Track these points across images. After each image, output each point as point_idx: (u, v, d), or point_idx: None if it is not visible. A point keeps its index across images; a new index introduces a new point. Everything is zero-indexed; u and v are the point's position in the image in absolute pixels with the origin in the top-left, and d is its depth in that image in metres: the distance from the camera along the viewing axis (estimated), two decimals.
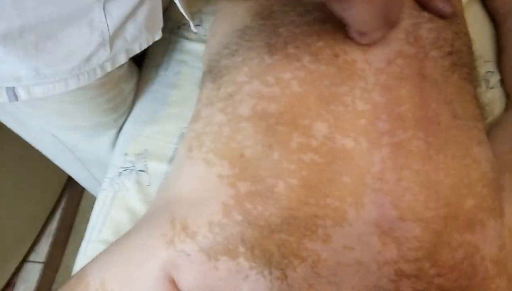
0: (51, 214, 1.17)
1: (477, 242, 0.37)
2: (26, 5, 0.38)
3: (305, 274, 0.36)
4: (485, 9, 0.61)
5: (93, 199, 0.61)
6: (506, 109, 0.54)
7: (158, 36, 0.51)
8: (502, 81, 0.56)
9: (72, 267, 0.54)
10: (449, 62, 0.42)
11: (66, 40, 0.41)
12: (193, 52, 0.65)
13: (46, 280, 1.11)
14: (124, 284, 0.40)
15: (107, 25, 0.43)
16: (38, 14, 0.39)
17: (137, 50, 0.49)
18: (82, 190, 1.17)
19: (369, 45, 0.41)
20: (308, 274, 0.36)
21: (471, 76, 0.44)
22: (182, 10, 0.53)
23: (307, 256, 0.36)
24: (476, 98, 0.44)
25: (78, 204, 1.19)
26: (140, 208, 0.55)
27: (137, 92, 0.63)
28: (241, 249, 0.36)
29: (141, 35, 0.48)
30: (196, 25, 0.68)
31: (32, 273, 1.12)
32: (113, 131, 0.61)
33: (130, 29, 0.46)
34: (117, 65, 0.47)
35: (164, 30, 0.68)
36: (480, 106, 0.44)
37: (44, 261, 1.13)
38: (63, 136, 0.61)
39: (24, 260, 1.12)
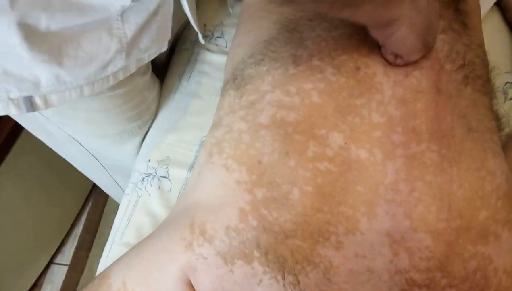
0: (77, 218, 1.21)
1: (490, 254, 0.37)
2: (55, 7, 0.39)
3: (317, 280, 0.37)
4: (504, 20, 0.61)
5: (116, 204, 0.64)
6: None
7: (164, 47, 0.53)
8: None
9: (96, 269, 0.57)
10: (462, 76, 0.43)
11: (88, 46, 0.43)
12: (214, 63, 0.67)
13: (71, 282, 1.14)
14: (145, 285, 0.42)
15: (125, 32, 0.45)
16: (63, 16, 0.40)
17: (146, 60, 0.51)
18: (106, 195, 1.20)
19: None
20: (320, 280, 0.37)
21: (485, 88, 0.44)
22: (192, 22, 0.55)
23: (320, 262, 0.37)
24: (491, 110, 0.44)
25: (103, 209, 1.23)
26: (161, 212, 0.57)
27: (160, 102, 0.65)
28: (256, 254, 0.38)
29: (152, 45, 0.50)
30: (217, 37, 0.70)
31: (58, 275, 1.15)
32: (138, 139, 0.63)
33: (144, 39, 0.48)
34: (128, 74, 0.49)
35: (186, 41, 0.71)
36: (495, 119, 0.44)
37: (69, 263, 1.16)
38: (90, 145, 0.64)
39: (51, 262, 1.15)
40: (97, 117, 0.55)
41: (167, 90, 0.66)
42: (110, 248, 0.57)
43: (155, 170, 0.60)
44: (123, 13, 0.44)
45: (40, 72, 0.42)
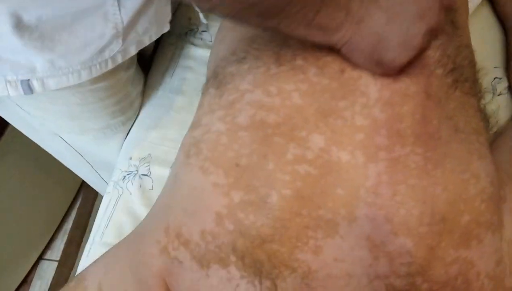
0: (67, 214, 1.20)
1: (473, 258, 0.36)
2: None
3: (295, 285, 0.36)
4: (494, 14, 0.59)
5: None
6: None
7: (166, 28, 0.53)
8: (510, 88, 0.54)
9: None
10: (452, 79, 0.42)
11: (81, 32, 0.43)
12: (199, 58, 0.66)
13: (60, 278, 1.14)
14: (121, 289, 0.41)
15: (121, 17, 0.44)
16: (55, 6, 0.40)
17: (146, 42, 0.50)
18: (96, 191, 1.20)
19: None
20: (298, 285, 0.36)
21: (473, 90, 0.43)
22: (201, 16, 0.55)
23: (298, 267, 0.36)
24: (479, 111, 0.43)
25: (93, 204, 1.22)
26: (142, 212, 0.55)
27: (143, 98, 0.64)
28: (232, 258, 0.37)
29: (152, 27, 0.49)
30: (202, 31, 0.68)
31: (47, 271, 1.15)
32: (121, 136, 0.62)
33: (142, 22, 0.47)
34: (128, 56, 0.49)
35: (171, 35, 0.69)
36: (484, 119, 0.43)
37: (59, 259, 1.16)
38: (73, 141, 0.63)
39: (40, 257, 1.15)
40: (79, 111, 0.54)
41: (150, 86, 0.65)
42: (90, 248, 0.56)
43: (137, 168, 0.59)
44: None
45: (34, 58, 0.43)
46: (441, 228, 0.36)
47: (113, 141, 0.63)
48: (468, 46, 0.47)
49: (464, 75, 0.43)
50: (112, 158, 0.65)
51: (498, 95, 0.53)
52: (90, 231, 1.16)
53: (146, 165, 0.58)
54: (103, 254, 0.45)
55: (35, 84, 0.44)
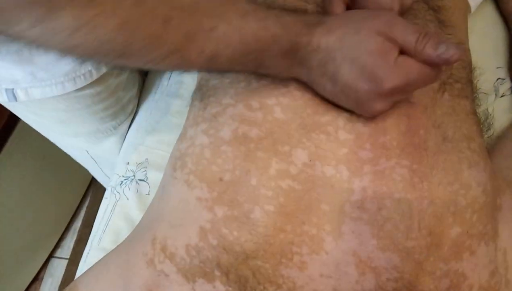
0: (76, 212, 1.22)
1: (465, 270, 0.35)
2: None
3: None
4: (498, 11, 0.57)
5: None
6: None
7: None
8: None
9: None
10: (438, 83, 0.40)
11: None
12: None
13: (71, 275, 1.16)
14: None
15: None
16: None
17: None
18: (105, 189, 1.21)
19: None
20: None
21: (465, 92, 0.42)
22: None
23: (282, 283, 0.35)
24: (472, 114, 0.41)
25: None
26: (139, 217, 0.55)
27: (140, 101, 0.64)
28: (217, 273, 0.36)
29: None
30: None
31: (58, 269, 1.17)
32: (114, 139, 0.62)
33: None
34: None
35: None
36: (477, 123, 0.41)
37: (69, 257, 1.17)
38: (64, 143, 0.63)
39: (51, 256, 1.17)
40: (66, 117, 0.54)
41: (147, 89, 0.65)
42: (88, 253, 0.56)
43: (134, 173, 0.58)
44: None
45: (15, 71, 0.43)
46: (429, 242, 0.35)
47: (107, 144, 0.64)
48: (460, 44, 0.45)
49: (454, 76, 0.41)
50: (111, 157, 0.65)
51: (501, 96, 0.51)
52: None
53: (143, 170, 0.58)
54: (96, 262, 0.45)
55: (19, 93, 0.44)
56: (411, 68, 0.33)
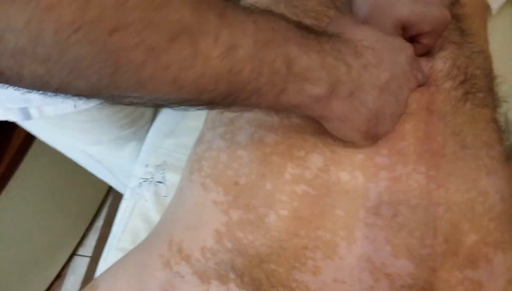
0: (98, 212, 1.24)
1: (481, 278, 0.34)
2: None
3: None
4: None
5: None
6: None
7: None
8: None
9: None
10: (462, 92, 0.39)
11: None
12: None
13: (92, 273, 1.17)
14: None
15: None
16: None
17: None
18: None
19: None
20: None
21: (486, 101, 0.41)
22: None
23: (296, 287, 0.35)
24: (493, 122, 0.40)
25: None
26: (157, 218, 0.56)
27: None
28: (232, 276, 0.37)
29: None
30: None
31: (80, 266, 1.20)
32: (134, 143, 0.63)
33: None
34: None
35: None
36: (497, 130, 0.41)
37: (91, 255, 1.20)
38: (90, 150, 0.64)
39: (73, 253, 1.20)
40: (88, 127, 0.55)
41: None
42: (108, 252, 0.57)
43: (152, 175, 0.60)
44: None
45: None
46: (444, 249, 0.34)
47: (127, 150, 0.65)
48: (482, 52, 0.44)
49: (476, 86, 0.41)
50: (127, 164, 0.66)
51: None
52: None
53: (161, 172, 0.59)
54: (115, 263, 0.46)
55: (33, 111, 0.45)
56: None
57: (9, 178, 0.87)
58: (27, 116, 0.46)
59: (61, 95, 0.24)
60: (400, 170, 0.36)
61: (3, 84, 0.23)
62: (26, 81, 0.24)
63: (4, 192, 0.87)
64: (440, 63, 0.40)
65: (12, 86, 0.24)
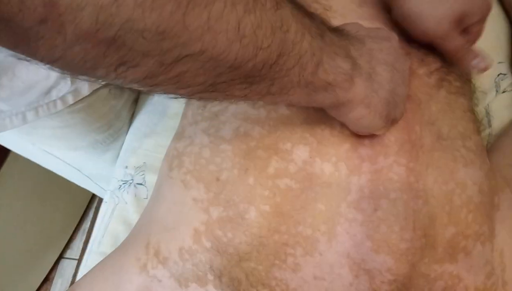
0: (85, 214, 1.23)
1: (460, 272, 0.34)
2: None
3: None
4: (499, 3, 0.55)
5: None
6: None
7: None
8: None
9: None
10: (436, 78, 0.39)
11: (24, 75, 0.41)
12: None
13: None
14: None
15: None
16: None
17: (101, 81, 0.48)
18: None
19: None
20: None
21: (463, 89, 0.40)
22: None
23: (276, 285, 0.35)
24: (469, 112, 0.40)
25: None
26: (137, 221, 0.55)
27: (138, 105, 0.63)
28: (210, 277, 0.36)
29: None
30: None
31: (68, 269, 1.18)
32: (114, 146, 0.62)
33: None
34: (81, 97, 0.46)
35: None
36: (474, 120, 0.40)
37: (78, 258, 1.19)
38: (67, 157, 0.63)
39: (61, 256, 1.18)
40: (62, 133, 0.53)
41: (145, 93, 0.64)
42: (88, 257, 0.56)
43: (132, 177, 0.58)
44: None
45: None
46: (423, 243, 0.34)
47: (107, 154, 0.63)
48: None
49: (452, 74, 0.40)
50: (108, 169, 0.65)
51: (502, 92, 0.50)
52: None
53: (141, 173, 0.58)
54: (93, 268, 0.45)
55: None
56: None
57: None
58: None
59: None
60: (382, 162, 0.35)
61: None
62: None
63: None
64: (414, 49, 0.40)
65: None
